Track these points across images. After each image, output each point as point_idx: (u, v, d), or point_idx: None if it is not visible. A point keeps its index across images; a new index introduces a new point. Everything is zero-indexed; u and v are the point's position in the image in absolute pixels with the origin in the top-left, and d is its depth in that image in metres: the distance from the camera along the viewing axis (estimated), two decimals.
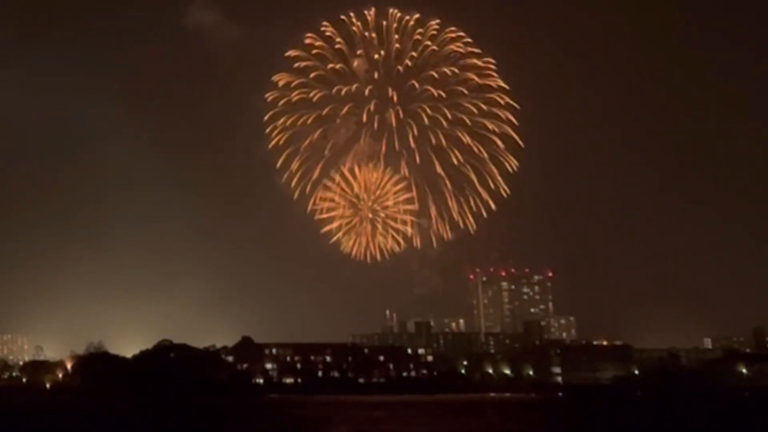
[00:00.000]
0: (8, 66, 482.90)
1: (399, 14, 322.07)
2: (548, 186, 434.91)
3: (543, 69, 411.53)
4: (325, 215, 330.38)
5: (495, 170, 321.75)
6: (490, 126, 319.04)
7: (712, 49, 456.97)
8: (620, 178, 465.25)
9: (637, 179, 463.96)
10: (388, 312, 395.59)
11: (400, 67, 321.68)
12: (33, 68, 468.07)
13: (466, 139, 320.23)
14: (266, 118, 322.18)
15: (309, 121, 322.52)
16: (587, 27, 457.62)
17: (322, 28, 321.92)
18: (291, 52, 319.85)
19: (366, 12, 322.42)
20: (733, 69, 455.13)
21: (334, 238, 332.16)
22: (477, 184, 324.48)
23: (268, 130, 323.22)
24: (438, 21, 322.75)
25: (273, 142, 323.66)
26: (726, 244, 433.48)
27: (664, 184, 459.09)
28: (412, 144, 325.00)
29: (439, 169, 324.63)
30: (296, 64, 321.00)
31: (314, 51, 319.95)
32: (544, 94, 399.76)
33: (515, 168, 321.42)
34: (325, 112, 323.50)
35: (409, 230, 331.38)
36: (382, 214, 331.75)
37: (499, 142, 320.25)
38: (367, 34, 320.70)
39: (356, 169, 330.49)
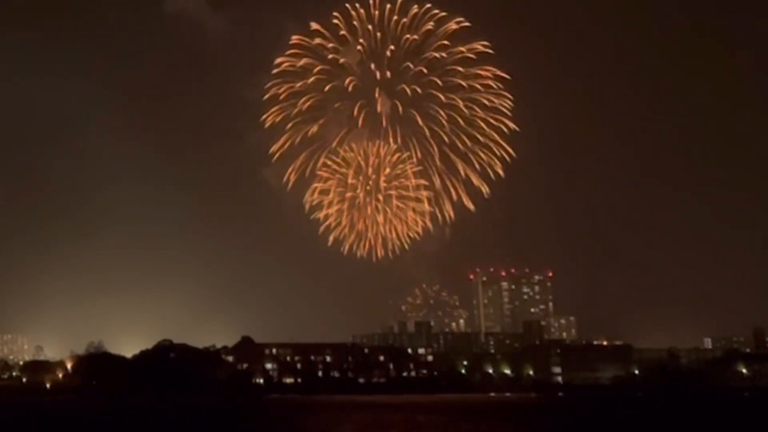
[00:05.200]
0: None
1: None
2: (549, 186, 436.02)
3: (545, 69, 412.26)
4: (321, 200, 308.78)
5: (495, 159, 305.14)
6: (490, 121, 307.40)
7: (716, 49, 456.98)
8: (621, 178, 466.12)
9: (638, 180, 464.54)
10: (404, 308, 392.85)
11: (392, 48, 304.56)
12: (24, 68, 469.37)
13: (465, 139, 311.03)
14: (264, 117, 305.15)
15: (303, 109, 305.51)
16: (588, 24, 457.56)
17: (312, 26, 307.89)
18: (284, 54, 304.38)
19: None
20: (736, 68, 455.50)
21: (332, 235, 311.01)
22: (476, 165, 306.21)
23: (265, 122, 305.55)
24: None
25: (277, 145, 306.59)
26: (726, 245, 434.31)
27: (664, 184, 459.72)
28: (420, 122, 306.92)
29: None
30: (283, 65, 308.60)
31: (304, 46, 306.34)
32: (546, 93, 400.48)
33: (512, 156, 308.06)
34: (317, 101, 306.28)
35: (425, 207, 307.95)
36: (393, 192, 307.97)
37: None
38: (357, 23, 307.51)
39: (355, 147, 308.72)
